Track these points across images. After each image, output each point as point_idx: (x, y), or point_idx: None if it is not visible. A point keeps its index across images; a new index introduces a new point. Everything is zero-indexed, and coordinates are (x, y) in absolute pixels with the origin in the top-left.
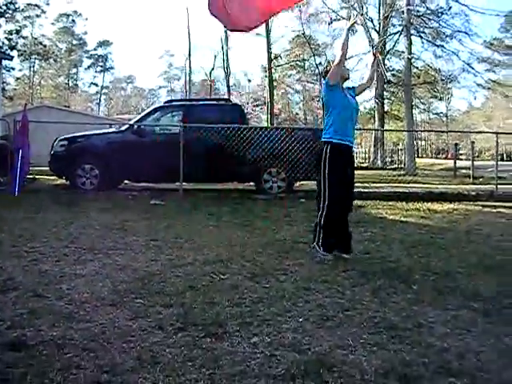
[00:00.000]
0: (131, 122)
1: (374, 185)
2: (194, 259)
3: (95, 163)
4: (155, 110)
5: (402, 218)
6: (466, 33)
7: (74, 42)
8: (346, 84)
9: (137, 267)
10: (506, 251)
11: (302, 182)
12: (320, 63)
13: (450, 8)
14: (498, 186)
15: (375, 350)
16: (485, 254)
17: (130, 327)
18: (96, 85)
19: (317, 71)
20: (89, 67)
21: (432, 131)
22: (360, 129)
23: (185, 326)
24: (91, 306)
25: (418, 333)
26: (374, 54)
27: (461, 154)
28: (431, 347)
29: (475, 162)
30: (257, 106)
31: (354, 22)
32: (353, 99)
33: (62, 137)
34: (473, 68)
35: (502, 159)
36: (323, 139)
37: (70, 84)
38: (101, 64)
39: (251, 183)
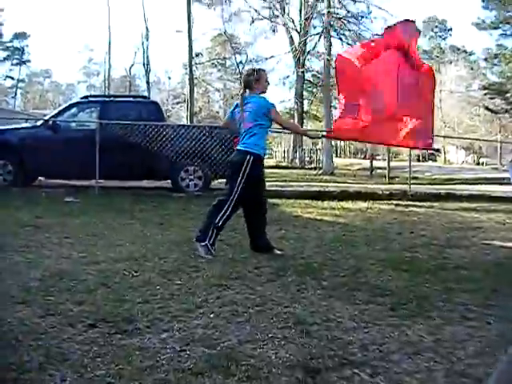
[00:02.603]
0: (46, 118)
1: (291, 183)
2: (106, 257)
3: (9, 159)
4: (71, 106)
5: (317, 217)
6: None
7: None
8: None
9: (48, 264)
10: (414, 248)
11: (219, 180)
12: (241, 62)
13: (370, 12)
14: (412, 186)
15: (283, 344)
16: (394, 251)
17: (40, 325)
18: (12, 78)
19: (237, 70)
20: (4, 59)
21: None
22: (279, 129)
23: (95, 323)
24: None
25: (326, 327)
26: None
27: (378, 155)
28: (337, 340)
29: (392, 163)
30: (177, 103)
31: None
32: None
33: None
34: None
35: (419, 160)
36: (251, 150)
37: None
38: (17, 57)
39: (168, 181)
